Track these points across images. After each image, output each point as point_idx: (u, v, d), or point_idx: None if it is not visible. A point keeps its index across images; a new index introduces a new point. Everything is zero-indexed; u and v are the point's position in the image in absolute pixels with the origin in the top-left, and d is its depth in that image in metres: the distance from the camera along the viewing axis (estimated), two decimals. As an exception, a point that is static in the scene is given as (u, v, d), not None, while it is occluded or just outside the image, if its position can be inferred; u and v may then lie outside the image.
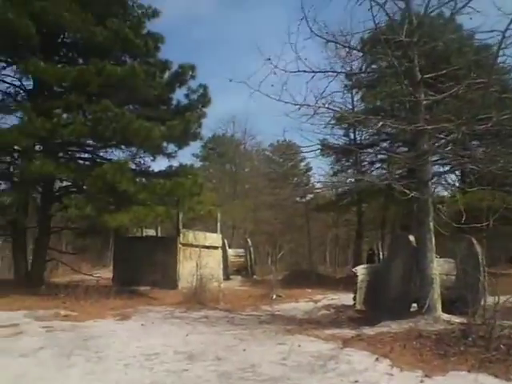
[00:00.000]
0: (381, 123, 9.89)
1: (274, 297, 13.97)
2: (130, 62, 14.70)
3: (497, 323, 6.73)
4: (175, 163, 15.85)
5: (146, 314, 10.64)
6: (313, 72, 9.43)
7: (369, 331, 8.13)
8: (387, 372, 5.60)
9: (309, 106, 9.09)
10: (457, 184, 21.49)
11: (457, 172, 19.60)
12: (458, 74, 10.07)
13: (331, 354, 6.49)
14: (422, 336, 7.22)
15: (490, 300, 7.41)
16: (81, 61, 14.93)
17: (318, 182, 31.30)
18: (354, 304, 10.73)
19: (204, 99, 15.26)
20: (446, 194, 20.85)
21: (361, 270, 11.07)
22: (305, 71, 9.28)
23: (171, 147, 15.66)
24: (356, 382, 5.23)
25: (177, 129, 13.84)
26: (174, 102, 15.84)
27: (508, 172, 9.15)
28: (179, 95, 15.76)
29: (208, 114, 15.77)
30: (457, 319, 8.11)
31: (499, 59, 8.16)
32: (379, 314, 9.28)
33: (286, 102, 8.88)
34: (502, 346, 6.29)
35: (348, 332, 8.27)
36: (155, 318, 10.08)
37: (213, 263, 16.95)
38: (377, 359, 6.17)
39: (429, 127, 8.93)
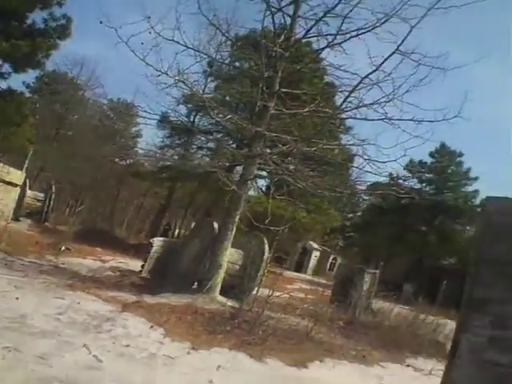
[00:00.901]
0: (229, 116, 10.27)
1: (63, 248, 13.23)
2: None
3: (265, 313, 7.75)
4: (3, 85, 13.77)
5: None
6: (185, 47, 9.42)
7: (149, 299, 8.43)
8: (159, 340, 5.95)
9: (170, 77, 9.06)
10: (263, 188, 23.70)
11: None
12: (307, 98, 11.11)
13: (108, 316, 6.54)
14: (197, 312, 7.87)
15: (266, 292, 8.48)
16: None
17: (143, 150, 30.66)
18: (141, 271, 11.00)
19: (63, 31, 13.69)
20: (251, 193, 22.71)
21: (157, 242, 11.42)
22: (178, 43, 9.23)
23: (6, 67, 13.52)
24: (127, 346, 5.41)
25: (21, 50, 12.16)
26: (29, 22, 13.82)
27: (316, 192, 10.48)
28: (37, 17, 13.85)
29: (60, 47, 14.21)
30: (230, 303, 9.02)
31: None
32: (162, 286, 9.72)
33: (148, 64, 8.76)
34: (260, 332, 7.30)
35: (129, 297, 8.43)
36: None
37: (7, 200, 15.18)
38: (152, 327, 6.48)
39: (270, 134, 9.72)
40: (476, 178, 32.81)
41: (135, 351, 5.29)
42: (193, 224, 21.45)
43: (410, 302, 13.58)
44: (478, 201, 32.35)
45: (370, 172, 9.60)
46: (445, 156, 33.56)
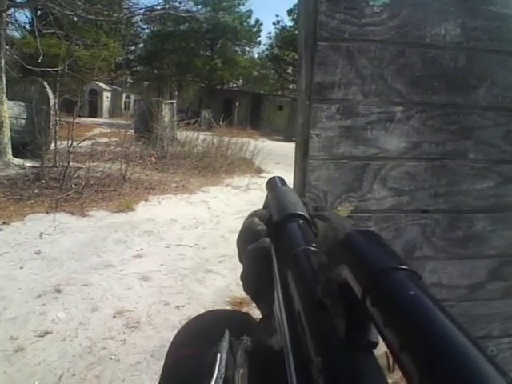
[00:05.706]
0: None
1: None
2: None
3: (71, 165, 7.11)
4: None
5: None
6: None
7: None
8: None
9: None
10: (28, 26, 19.88)
11: (28, 14, 17.95)
12: None
13: None
14: (-6, 182, 6.81)
15: (64, 144, 7.67)
16: None
17: None
18: None
19: None
20: (16, 34, 19.06)
21: None
22: None
23: None
24: None
25: None
26: None
27: (88, 18, 9.06)
28: None
29: None
30: (29, 163, 8.01)
31: None
32: None
33: None
34: (74, 185, 6.79)
35: None
36: None
37: None
38: None
39: None
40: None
41: None
42: None
43: (210, 127, 14.17)
44: (253, 20, 33.46)
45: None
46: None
